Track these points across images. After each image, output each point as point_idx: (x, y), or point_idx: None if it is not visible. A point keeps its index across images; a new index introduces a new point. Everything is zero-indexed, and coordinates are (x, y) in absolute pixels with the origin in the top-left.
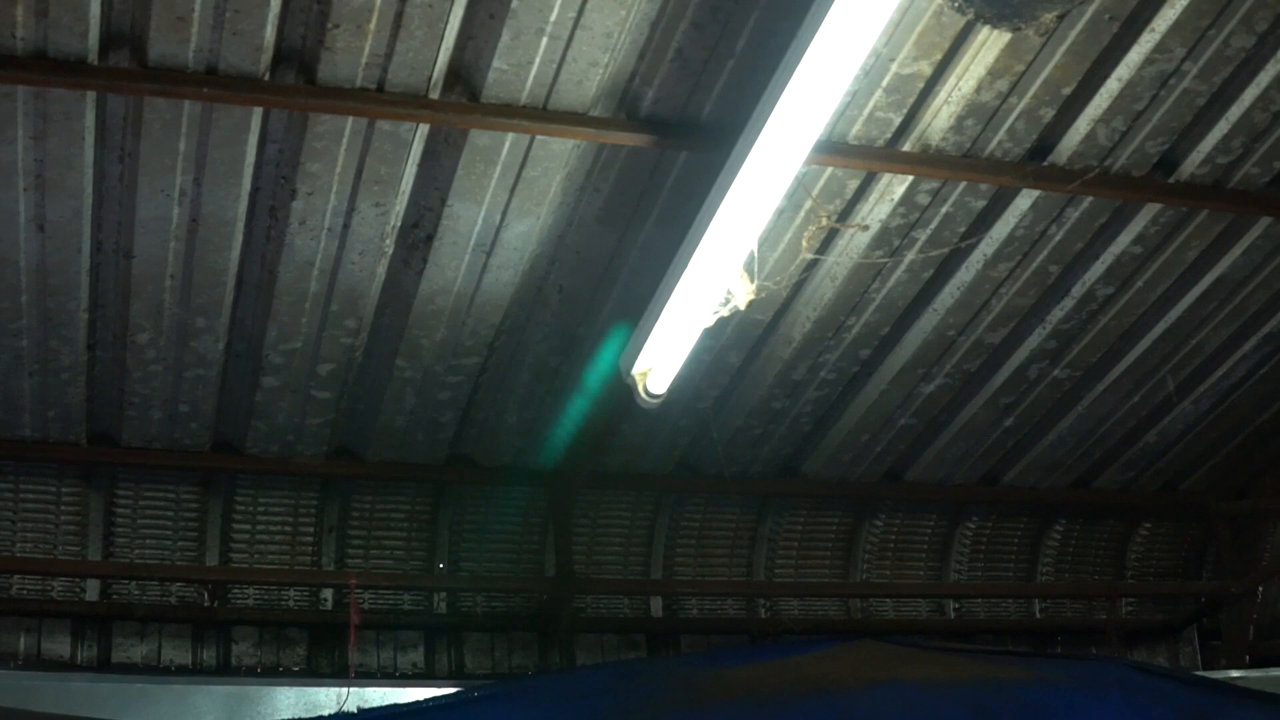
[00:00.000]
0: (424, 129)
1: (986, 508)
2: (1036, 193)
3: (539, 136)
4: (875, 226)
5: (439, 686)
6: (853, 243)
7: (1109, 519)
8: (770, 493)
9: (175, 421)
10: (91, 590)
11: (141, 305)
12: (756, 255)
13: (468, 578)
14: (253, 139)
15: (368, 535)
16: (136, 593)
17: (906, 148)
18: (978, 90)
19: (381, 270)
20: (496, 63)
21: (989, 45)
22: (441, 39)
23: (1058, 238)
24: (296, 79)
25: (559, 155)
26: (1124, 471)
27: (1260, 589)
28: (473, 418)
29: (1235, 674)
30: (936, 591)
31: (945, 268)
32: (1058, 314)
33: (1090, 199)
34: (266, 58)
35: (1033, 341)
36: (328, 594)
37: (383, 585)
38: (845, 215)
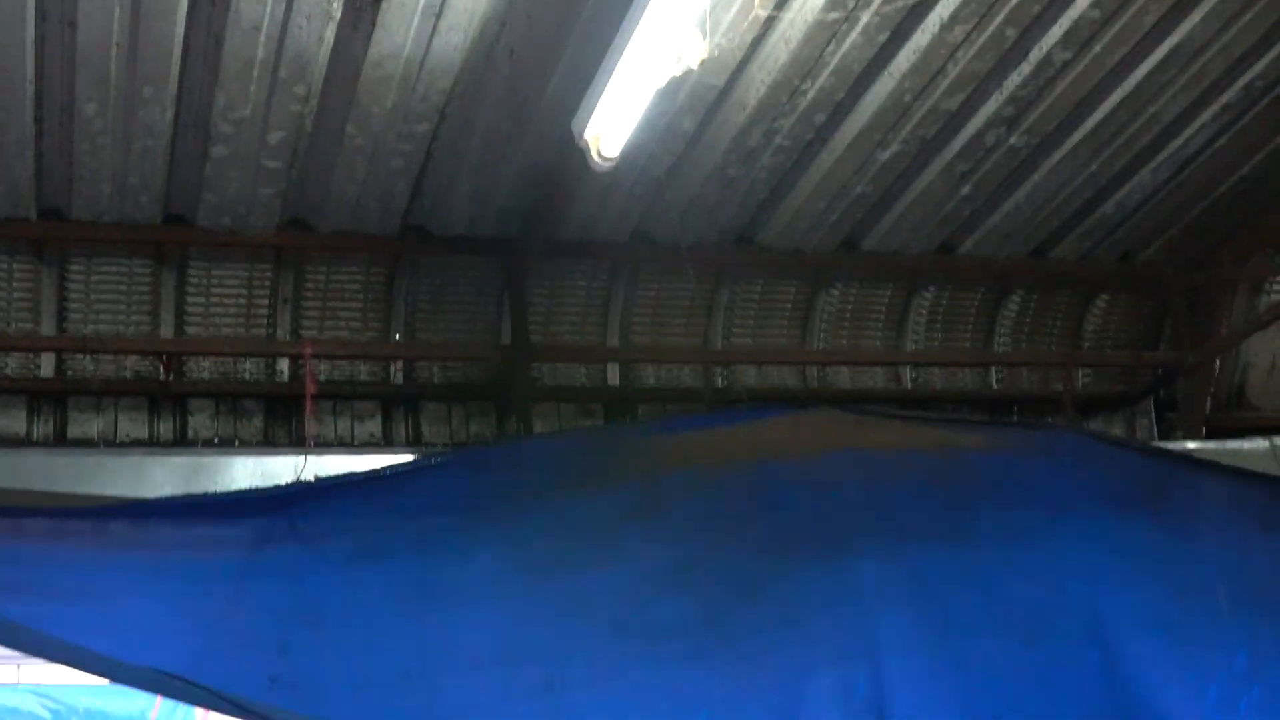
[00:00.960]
0: None
1: (943, 277)
2: None
3: None
4: None
5: (396, 455)
6: (808, 3)
7: (1066, 290)
8: (726, 262)
9: (125, 195)
10: (46, 366)
11: (87, 76)
12: (709, 13)
13: (424, 346)
14: None
15: (322, 307)
16: (91, 367)
17: None
18: None
19: (329, 34)
20: None
21: None
22: None
23: None
24: None
25: None
26: (1081, 241)
27: (1217, 360)
28: (425, 187)
29: (1191, 445)
30: (894, 359)
31: (901, 30)
32: (1015, 80)
33: None
34: None
35: (990, 108)
36: (284, 366)
37: (338, 355)
38: None
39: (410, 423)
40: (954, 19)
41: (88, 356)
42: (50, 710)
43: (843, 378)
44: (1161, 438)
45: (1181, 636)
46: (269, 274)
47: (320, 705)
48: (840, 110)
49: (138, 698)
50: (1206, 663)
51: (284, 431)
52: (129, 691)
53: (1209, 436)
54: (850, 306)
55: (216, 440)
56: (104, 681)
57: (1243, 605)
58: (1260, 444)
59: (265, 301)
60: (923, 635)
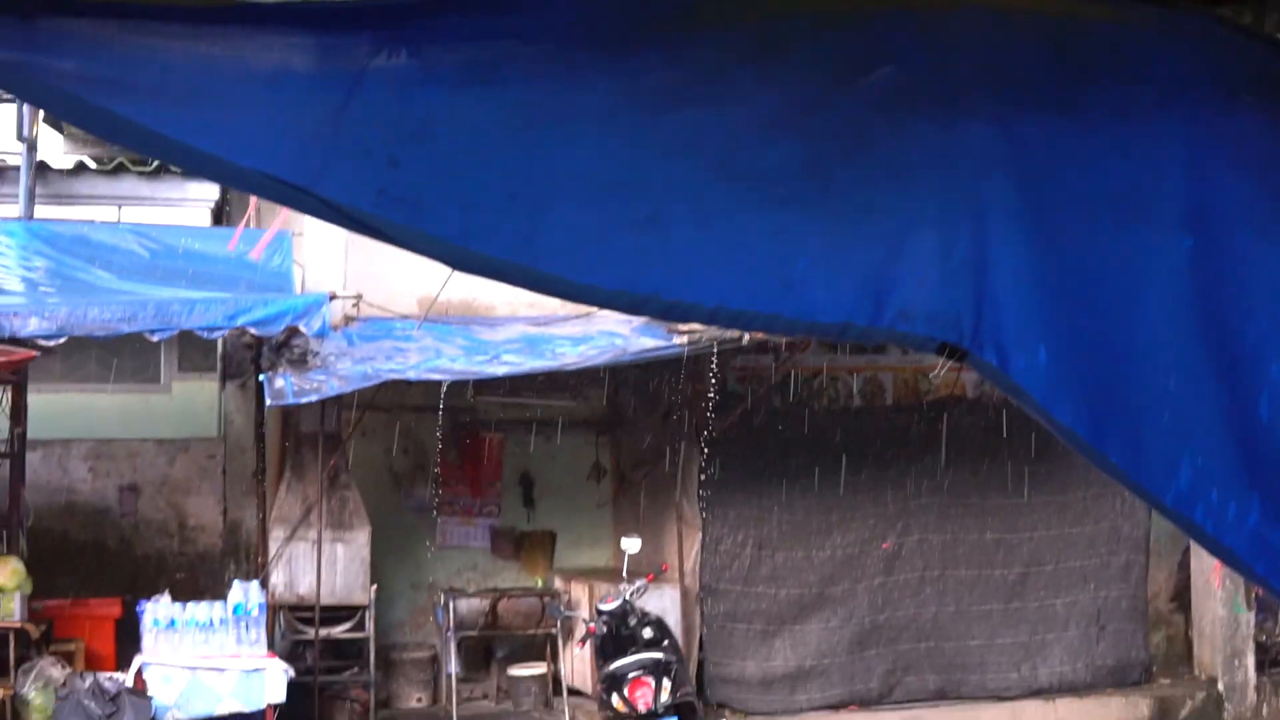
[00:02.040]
0: None
1: None
2: None
3: None
4: None
5: None
6: None
7: None
8: None
9: None
10: None
11: None
12: None
13: None
14: None
15: None
16: None
17: None
18: None
19: None
20: None
21: None
22: None
23: None
24: None
25: None
26: None
27: None
28: None
29: None
30: None
31: None
32: None
33: None
34: None
35: None
36: None
37: None
38: None
39: None
40: None
41: None
42: (149, 250)
43: None
44: None
45: (1268, 236)
46: None
47: (427, 220)
48: None
49: (230, 236)
50: None
51: None
52: (226, 232)
53: None
54: None
55: None
56: (203, 223)
57: None
58: None
59: None
60: (1024, 203)
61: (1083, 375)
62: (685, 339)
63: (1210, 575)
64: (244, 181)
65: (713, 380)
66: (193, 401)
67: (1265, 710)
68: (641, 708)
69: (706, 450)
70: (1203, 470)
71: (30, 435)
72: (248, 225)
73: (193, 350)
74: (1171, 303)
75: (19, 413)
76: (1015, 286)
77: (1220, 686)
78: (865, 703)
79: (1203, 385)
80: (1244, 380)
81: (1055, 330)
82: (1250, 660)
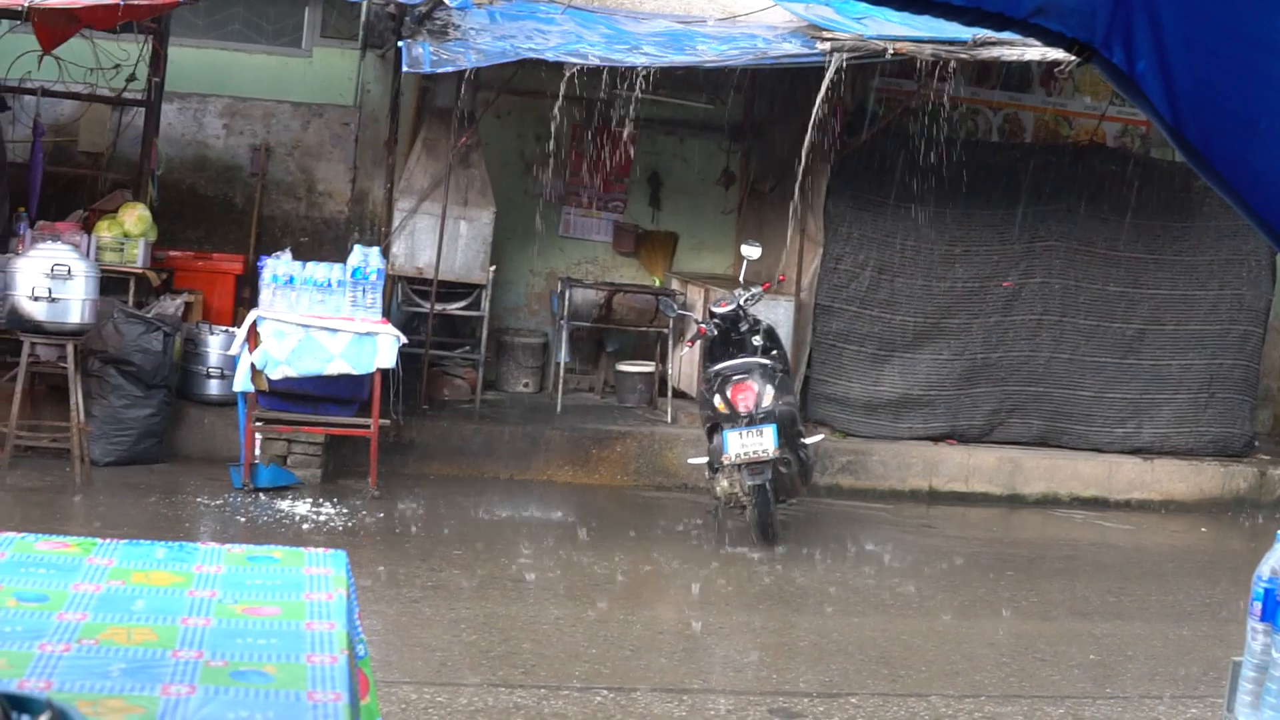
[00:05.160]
0: None
1: None
2: None
3: None
4: None
5: None
6: None
7: None
8: None
9: None
10: None
11: None
12: None
13: None
14: None
15: None
16: None
17: None
18: None
19: None
20: None
21: None
22: None
23: None
24: None
25: None
26: None
27: None
28: None
29: None
30: None
31: None
32: None
33: None
34: None
35: None
36: None
37: None
38: None
39: None
40: None
41: None
42: None
43: None
44: None
45: None
46: None
47: None
48: None
49: None
50: None
51: None
52: None
53: None
54: None
55: None
56: None
57: None
58: None
59: None
60: None
61: (1215, 99)
62: (828, 45)
63: None
64: None
65: (852, 97)
66: (332, 68)
67: None
68: (741, 410)
69: (838, 168)
70: None
71: (168, 87)
72: None
73: (336, 17)
74: None
75: (158, 62)
76: None
77: None
78: (965, 438)
79: None
80: None
81: (1193, 46)
82: None
